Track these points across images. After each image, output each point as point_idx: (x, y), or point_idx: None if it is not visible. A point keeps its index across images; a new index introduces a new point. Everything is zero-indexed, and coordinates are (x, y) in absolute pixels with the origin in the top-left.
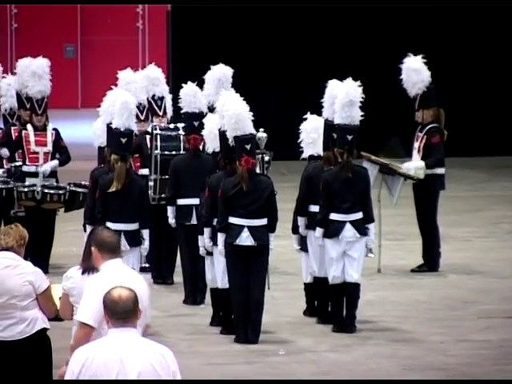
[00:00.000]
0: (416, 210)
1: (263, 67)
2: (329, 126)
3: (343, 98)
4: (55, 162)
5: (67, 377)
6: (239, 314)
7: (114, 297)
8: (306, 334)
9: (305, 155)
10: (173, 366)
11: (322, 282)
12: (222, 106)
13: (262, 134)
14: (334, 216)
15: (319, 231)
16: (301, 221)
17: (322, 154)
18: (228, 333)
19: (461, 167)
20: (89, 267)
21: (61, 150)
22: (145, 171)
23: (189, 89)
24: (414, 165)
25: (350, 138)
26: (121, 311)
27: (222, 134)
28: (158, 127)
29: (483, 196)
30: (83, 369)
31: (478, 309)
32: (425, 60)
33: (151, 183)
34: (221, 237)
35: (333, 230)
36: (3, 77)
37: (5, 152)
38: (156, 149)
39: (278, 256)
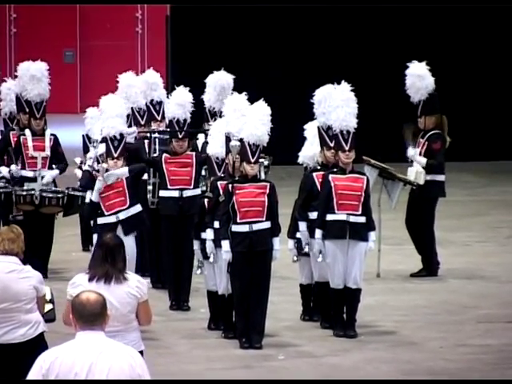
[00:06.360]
0: (409, 215)
1: (263, 72)
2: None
3: (336, 101)
4: (56, 172)
5: (34, 374)
6: None
7: (82, 300)
8: (306, 339)
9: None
10: (139, 369)
11: (324, 285)
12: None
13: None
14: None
15: (318, 232)
16: (318, 233)
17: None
18: (234, 337)
19: (460, 172)
20: (96, 274)
21: (58, 157)
22: (144, 176)
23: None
24: (416, 169)
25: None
26: (88, 314)
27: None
28: (156, 131)
29: (482, 201)
30: (51, 366)
31: (478, 313)
32: (428, 67)
33: (150, 187)
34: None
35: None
36: (3, 81)
37: (16, 172)
38: (154, 152)
39: (277, 260)
